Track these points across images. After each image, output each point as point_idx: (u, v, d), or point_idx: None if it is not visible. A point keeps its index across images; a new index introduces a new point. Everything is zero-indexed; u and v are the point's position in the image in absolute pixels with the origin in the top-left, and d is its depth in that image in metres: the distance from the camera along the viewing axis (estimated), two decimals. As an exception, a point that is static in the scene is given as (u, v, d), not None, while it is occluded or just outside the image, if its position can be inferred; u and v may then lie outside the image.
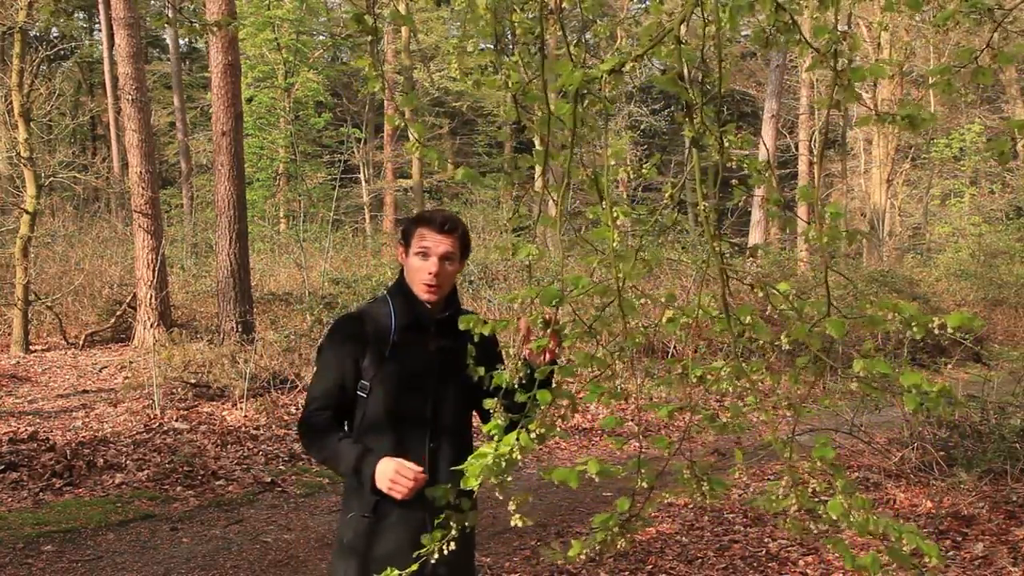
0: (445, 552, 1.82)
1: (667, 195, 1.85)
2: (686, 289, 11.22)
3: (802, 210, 23.47)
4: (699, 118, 1.62)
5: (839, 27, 1.50)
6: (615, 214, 1.60)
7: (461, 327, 1.93)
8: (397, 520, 2.30)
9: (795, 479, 1.55)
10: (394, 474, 2.17)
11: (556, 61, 1.61)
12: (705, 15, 1.55)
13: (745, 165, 1.73)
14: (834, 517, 1.49)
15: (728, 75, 1.66)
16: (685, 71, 1.59)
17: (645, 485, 1.64)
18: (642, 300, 1.72)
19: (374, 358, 2.33)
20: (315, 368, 2.44)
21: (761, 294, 1.65)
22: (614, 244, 1.59)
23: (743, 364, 1.63)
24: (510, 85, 1.64)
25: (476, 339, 1.88)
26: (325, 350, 2.41)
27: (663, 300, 1.77)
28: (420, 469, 2.20)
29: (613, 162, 1.65)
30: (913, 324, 1.42)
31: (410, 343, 2.35)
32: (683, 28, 1.55)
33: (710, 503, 1.73)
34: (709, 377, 1.71)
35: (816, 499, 1.58)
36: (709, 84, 1.67)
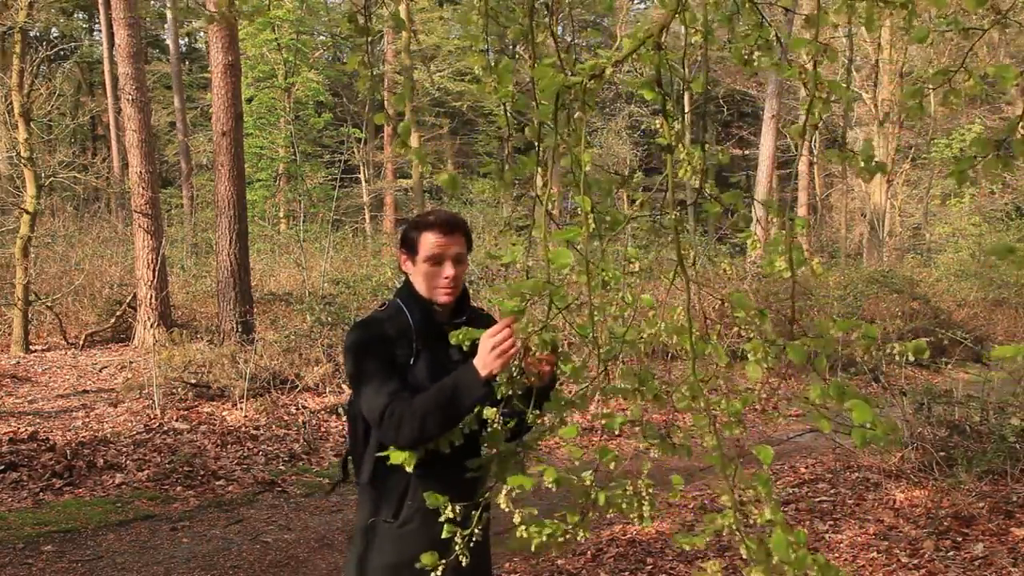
0: (463, 563, 1.83)
1: (639, 202, 1.85)
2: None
3: (801, 211, 23.49)
4: (676, 127, 1.61)
5: (819, 40, 1.50)
6: (589, 220, 1.60)
7: (452, 342, 1.96)
8: (420, 526, 2.26)
9: (734, 504, 1.54)
10: (491, 348, 2.01)
11: (540, 65, 1.60)
12: (686, 24, 1.55)
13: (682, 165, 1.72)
14: (776, 554, 1.47)
15: (703, 84, 1.66)
16: (663, 77, 1.59)
17: (601, 501, 1.65)
18: (625, 311, 1.72)
19: (401, 366, 2.26)
20: (364, 373, 2.24)
21: (729, 305, 1.66)
22: (580, 246, 1.59)
23: (699, 383, 1.60)
24: (498, 91, 1.64)
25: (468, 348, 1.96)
26: (366, 352, 2.26)
27: (650, 311, 1.76)
28: (503, 325, 2.00)
29: (588, 167, 1.65)
30: (864, 340, 1.43)
31: (432, 350, 2.29)
32: (664, 35, 1.54)
33: (645, 527, 1.73)
34: (663, 396, 1.69)
35: (751, 527, 1.55)
36: (693, 92, 1.68)
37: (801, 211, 23.59)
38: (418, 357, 2.28)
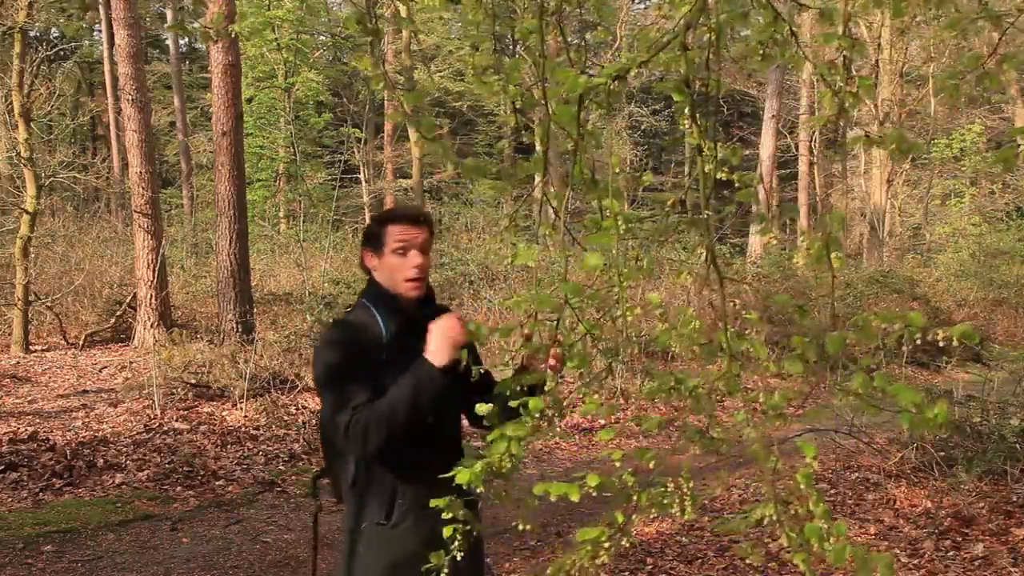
0: (458, 558, 1.82)
1: (669, 202, 1.84)
2: (686, 290, 11.20)
3: (801, 211, 23.48)
4: (702, 126, 1.60)
5: (848, 34, 1.49)
6: (618, 223, 1.58)
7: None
8: (412, 525, 2.26)
9: (774, 495, 1.53)
10: (442, 333, 2.11)
11: (556, 66, 1.59)
12: (710, 23, 1.53)
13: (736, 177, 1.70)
14: (812, 543, 1.46)
15: (721, 85, 1.66)
16: (689, 77, 1.58)
17: (644, 503, 1.64)
18: (636, 311, 1.71)
19: (373, 365, 2.24)
20: (328, 381, 2.24)
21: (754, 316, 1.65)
22: (613, 251, 1.58)
23: (736, 377, 1.60)
24: (508, 91, 1.63)
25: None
26: (332, 359, 2.26)
27: (656, 310, 1.75)
28: (454, 315, 2.14)
29: (618, 170, 1.64)
30: (914, 332, 1.41)
31: (404, 349, 2.25)
32: (692, 35, 1.53)
33: (687, 518, 1.72)
34: (701, 391, 1.68)
35: (794, 520, 1.55)
36: (710, 91, 1.65)
37: (801, 211, 23.58)
38: (390, 354, 2.26)
